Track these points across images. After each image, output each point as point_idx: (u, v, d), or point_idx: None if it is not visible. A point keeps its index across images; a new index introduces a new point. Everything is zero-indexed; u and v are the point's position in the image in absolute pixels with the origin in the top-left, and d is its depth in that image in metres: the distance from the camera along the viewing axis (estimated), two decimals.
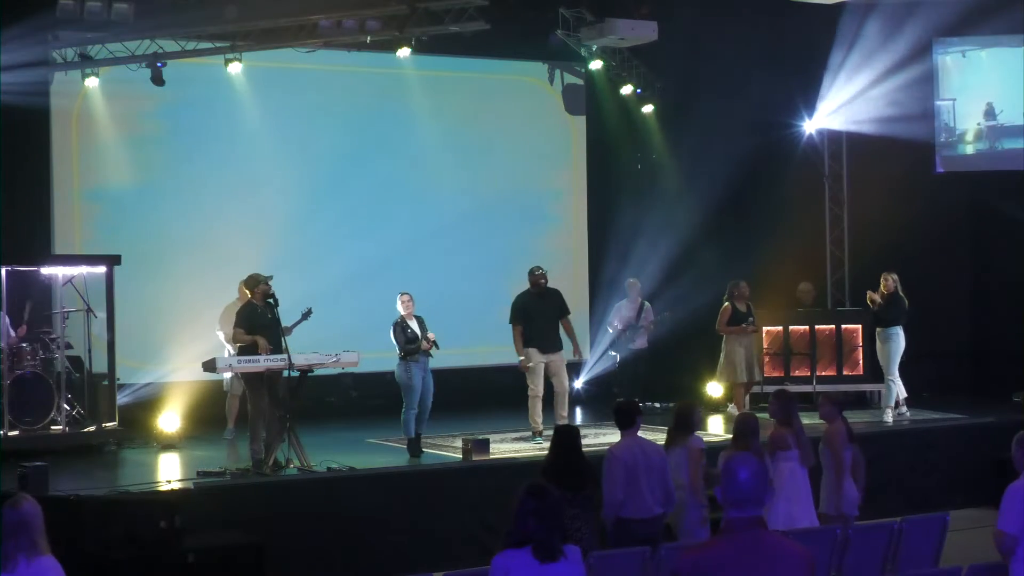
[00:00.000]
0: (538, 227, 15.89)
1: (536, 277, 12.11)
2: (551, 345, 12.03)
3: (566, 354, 12.20)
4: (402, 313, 11.44)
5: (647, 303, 14.42)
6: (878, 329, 13.27)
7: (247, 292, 11.20)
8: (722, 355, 13.65)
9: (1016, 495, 6.03)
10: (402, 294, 11.61)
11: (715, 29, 14.89)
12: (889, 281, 13.18)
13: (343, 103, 14.92)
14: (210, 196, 14.11)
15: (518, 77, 16.16)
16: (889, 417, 12.99)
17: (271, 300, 10.70)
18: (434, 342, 11.41)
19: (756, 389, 13.80)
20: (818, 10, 14.53)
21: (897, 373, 13.11)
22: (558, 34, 15.21)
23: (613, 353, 14.39)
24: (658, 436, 9.39)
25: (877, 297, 13.22)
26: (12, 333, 11.76)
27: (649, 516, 7.72)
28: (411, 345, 11.31)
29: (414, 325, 11.43)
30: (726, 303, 13.57)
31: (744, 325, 13.51)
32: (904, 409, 13.19)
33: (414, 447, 11.23)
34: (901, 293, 13.14)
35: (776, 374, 14.31)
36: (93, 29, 12.78)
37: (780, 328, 14.48)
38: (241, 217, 14.13)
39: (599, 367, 15.06)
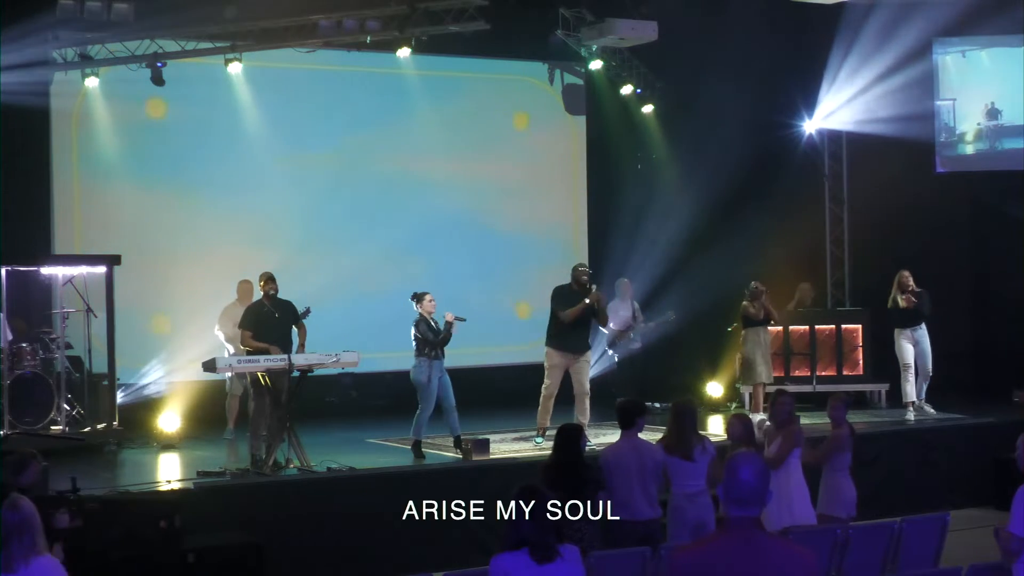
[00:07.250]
0: (538, 227, 15.89)
1: (579, 273, 11.73)
2: (579, 344, 11.65)
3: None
4: (428, 312, 11.22)
5: (635, 303, 14.40)
6: (911, 328, 13.19)
7: (259, 287, 11.10)
8: (739, 357, 13.36)
9: None
10: (426, 294, 11.35)
11: (715, 29, 14.88)
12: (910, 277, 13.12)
13: (343, 103, 14.92)
14: (210, 196, 14.12)
15: (518, 77, 16.16)
16: (931, 409, 13.15)
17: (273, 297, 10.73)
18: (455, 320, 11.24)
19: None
20: (818, 10, 14.52)
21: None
22: (558, 34, 15.20)
23: (611, 353, 14.38)
24: (656, 436, 9.38)
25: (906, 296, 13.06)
26: (10, 334, 11.75)
27: (643, 519, 7.68)
28: (437, 338, 11.11)
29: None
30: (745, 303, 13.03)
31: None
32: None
33: (418, 449, 11.06)
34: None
35: (776, 374, 14.28)
36: (93, 29, 12.77)
37: (780, 328, 14.45)
38: (241, 217, 14.15)
39: (599, 367, 15.04)
